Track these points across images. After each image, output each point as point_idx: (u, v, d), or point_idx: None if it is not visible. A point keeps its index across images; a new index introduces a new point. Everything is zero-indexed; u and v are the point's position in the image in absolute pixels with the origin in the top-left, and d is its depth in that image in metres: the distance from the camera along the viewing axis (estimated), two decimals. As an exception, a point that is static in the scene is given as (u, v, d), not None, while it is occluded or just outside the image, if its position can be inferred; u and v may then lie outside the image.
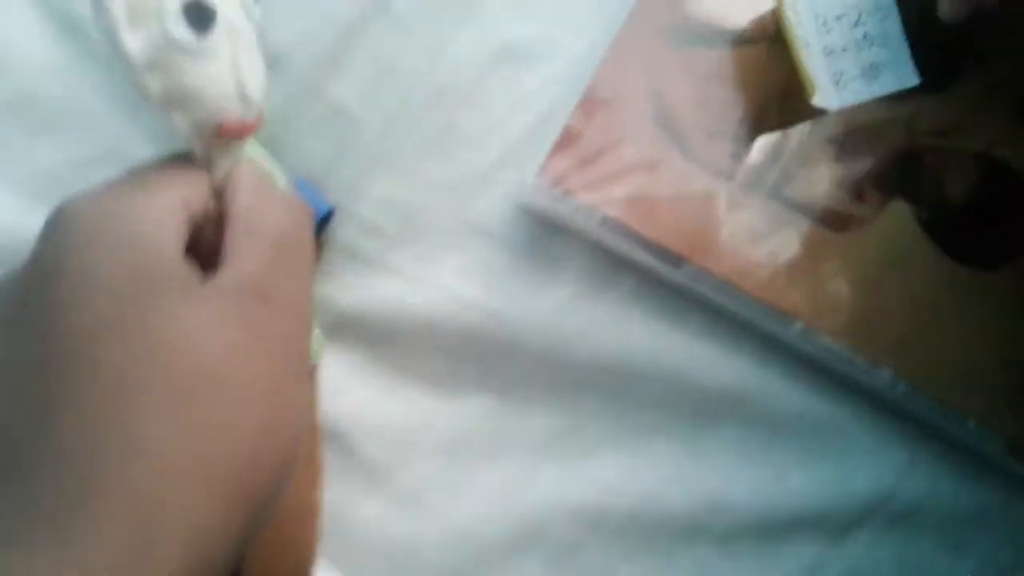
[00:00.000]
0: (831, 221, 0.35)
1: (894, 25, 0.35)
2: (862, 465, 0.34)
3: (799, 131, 0.35)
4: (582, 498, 0.34)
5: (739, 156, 0.35)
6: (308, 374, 0.30)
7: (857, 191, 0.35)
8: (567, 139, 0.34)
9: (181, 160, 0.27)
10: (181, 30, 0.25)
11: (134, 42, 0.25)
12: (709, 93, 0.35)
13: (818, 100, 0.35)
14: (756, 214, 0.34)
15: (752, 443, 0.34)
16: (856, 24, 0.36)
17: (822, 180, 0.35)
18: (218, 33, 0.26)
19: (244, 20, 0.27)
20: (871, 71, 0.35)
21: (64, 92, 0.35)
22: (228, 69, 0.26)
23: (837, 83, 0.35)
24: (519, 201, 0.34)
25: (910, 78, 0.35)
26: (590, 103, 0.34)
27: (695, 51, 0.35)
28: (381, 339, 0.34)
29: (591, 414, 0.34)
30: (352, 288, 0.34)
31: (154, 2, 0.24)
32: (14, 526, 0.21)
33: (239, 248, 0.26)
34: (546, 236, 0.34)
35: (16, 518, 0.21)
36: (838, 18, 0.35)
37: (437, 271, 0.34)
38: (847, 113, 0.35)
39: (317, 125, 0.34)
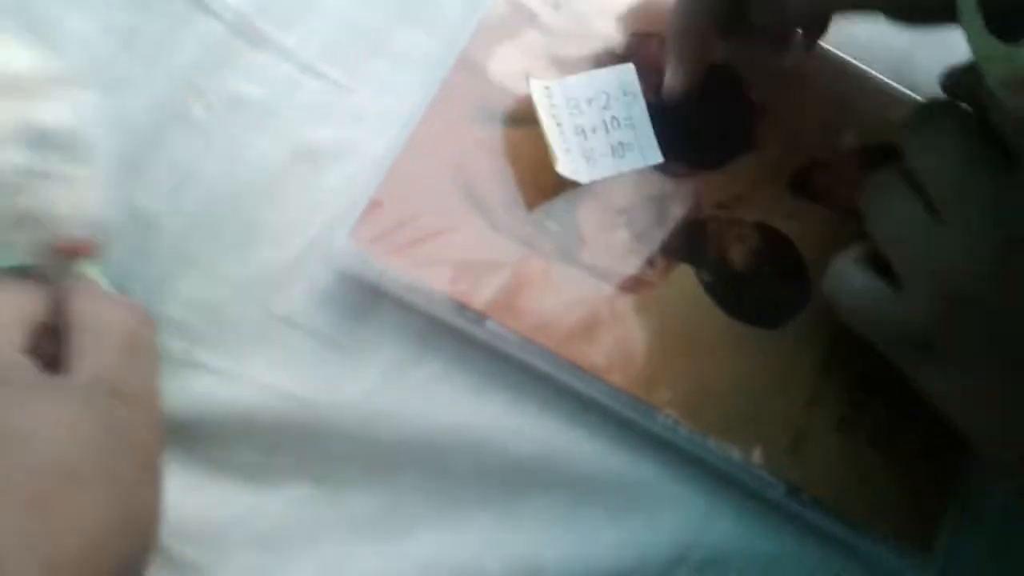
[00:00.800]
0: (624, 284, 0.37)
1: (639, 110, 0.39)
2: (666, 518, 0.35)
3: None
4: (400, 576, 0.35)
5: (538, 225, 0.37)
6: None
7: (647, 257, 0.38)
8: (373, 208, 0.35)
9: (17, 275, 0.28)
10: (27, 155, 0.26)
11: None
12: (505, 167, 0.38)
13: (562, 170, 0.37)
14: (555, 278, 0.36)
15: (562, 506, 0.35)
16: (605, 107, 0.39)
17: (614, 247, 0.37)
18: (62, 157, 0.27)
19: (87, 146, 0.28)
20: (619, 149, 0.39)
21: None
22: (68, 192, 0.28)
23: (588, 159, 0.38)
24: (330, 266, 0.36)
25: (655, 156, 0.39)
26: (396, 176, 0.36)
27: (493, 129, 0.38)
28: (191, 436, 0.34)
29: (407, 492, 0.35)
30: (162, 389, 0.34)
31: (3, 125, 0.26)
32: None
33: (87, 347, 0.27)
34: (351, 323, 0.36)
35: None
36: (589, 101, 0.39)
37: (246, 365, 0.35)
38: (633, 186, 0.38)
39: (119, 230, 0.35)
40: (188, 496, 0.33)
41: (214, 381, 0.35)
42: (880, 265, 0.33)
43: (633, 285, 0.37)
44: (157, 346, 0.30)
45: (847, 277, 0.33)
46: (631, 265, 0.37)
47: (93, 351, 0.27)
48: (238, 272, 0.35)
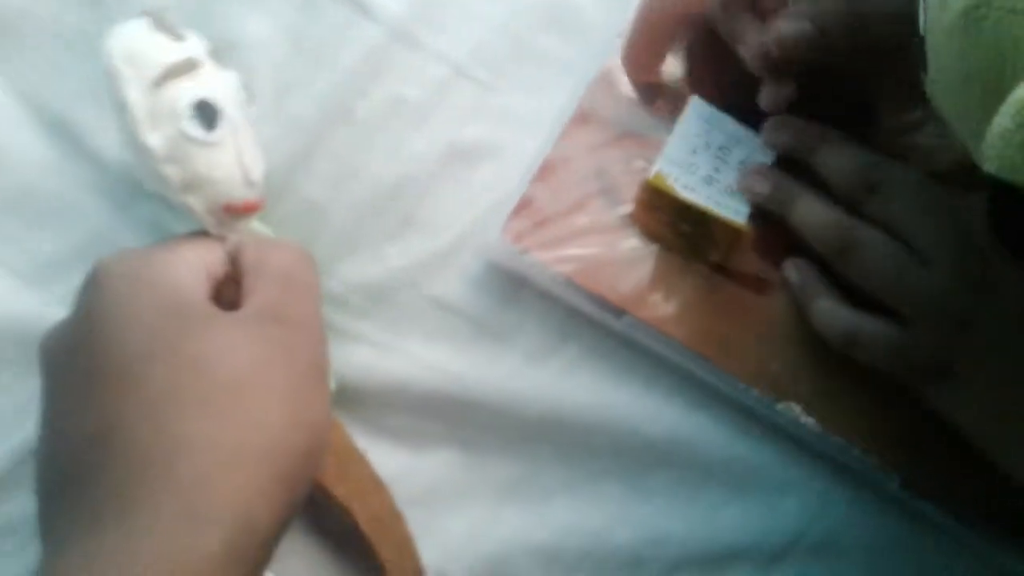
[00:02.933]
0: (750, 284, 0.39)
1: (730, 124, 0.39)
2: (782, 501, 0.38)
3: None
4: (539, 538, 0.38)
5: (672, 226, 0.39)
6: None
7: (773, 258, 0.40)
8: (523, 206, 0.39)
9: (200, 234, 0.33)
10: (193, 127, 0.31)
11: (155, 139, 0.30)
12: (641, 172, 0.40)
13: (741, 224, 0.38)
14: (687, 275, 0.39)
15: (688, 484, 0.38)
16: (707, 147, 0.39)
17: (741, 248, 0.40)
18: (223, 128, 0.31)
19: (242, 118, 0.33)
20: (743, 168, 0.39)
21: (57, 188, 0.39)
22: (233, 158, 0.32)
23: (734, 195, 0.39)
24: (483, 259, 0.39)
25: (769, 157, 0.39)
26: (545, 172, 0.39)
27: (630, 136, 0.41)
28: (354, 401, 0.38)
29: (545, 463, 0.38)
30: (329, 355, 0.37)
31: (169, 104, 0.30)
32: (87, 517, 0.26)
33: (253, 288, 0.31)
34: (498, 308, 0.39)
35: (88, 511, 0.26)
36: (693, 152, 0.39)
37: (403, 340, 0.39)
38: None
39: (290, 217, 0.38)
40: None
41: (374, 353, 0.38)
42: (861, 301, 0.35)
43: (761, 286, 0.39)
44: (317, 279, 0.34)
45: (843, 320, 0.36)
46: (759, 266, 0.39)
47: (257, 290, 0.31)
48: (397, 258, 0.39)
